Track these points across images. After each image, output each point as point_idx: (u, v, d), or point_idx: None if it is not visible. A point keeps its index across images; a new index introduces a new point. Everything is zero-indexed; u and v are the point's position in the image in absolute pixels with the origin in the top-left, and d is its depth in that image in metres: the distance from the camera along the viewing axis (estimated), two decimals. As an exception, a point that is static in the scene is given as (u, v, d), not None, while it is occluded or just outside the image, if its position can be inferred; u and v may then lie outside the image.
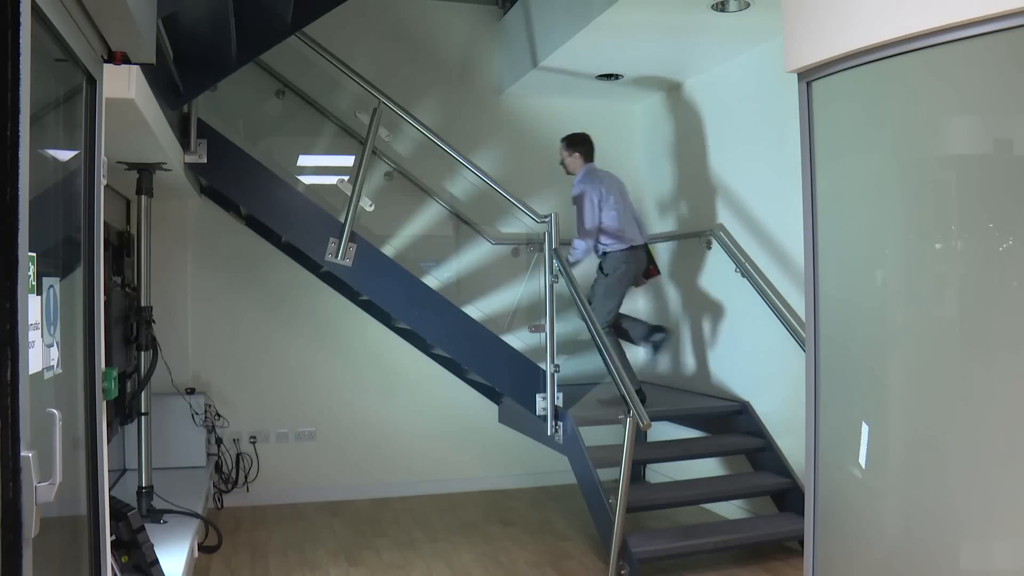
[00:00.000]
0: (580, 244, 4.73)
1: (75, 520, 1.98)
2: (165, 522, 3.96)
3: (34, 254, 1.46)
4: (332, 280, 5.09)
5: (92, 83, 2.05)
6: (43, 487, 1.40)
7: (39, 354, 1.57)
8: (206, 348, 5.32)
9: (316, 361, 5.48)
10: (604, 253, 4.79)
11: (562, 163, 5.00)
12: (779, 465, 4.47)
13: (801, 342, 3.98)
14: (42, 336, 1.61)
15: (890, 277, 2.32)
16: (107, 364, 2.18)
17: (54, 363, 1.70)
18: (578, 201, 4.77)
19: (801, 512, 2.68)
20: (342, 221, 4.29)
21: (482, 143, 5.71)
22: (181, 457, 5.05)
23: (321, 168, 5.53)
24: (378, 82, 4.51)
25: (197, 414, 5.08)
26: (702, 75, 5.35)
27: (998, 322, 1.98)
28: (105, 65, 2.13)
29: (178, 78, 3.55)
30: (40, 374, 1.60)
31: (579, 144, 4.92)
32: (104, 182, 2.17)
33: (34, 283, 1.49)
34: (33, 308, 1.49)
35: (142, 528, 2.99)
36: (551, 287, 4.40)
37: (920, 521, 2.17)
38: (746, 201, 4.95)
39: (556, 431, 4.36)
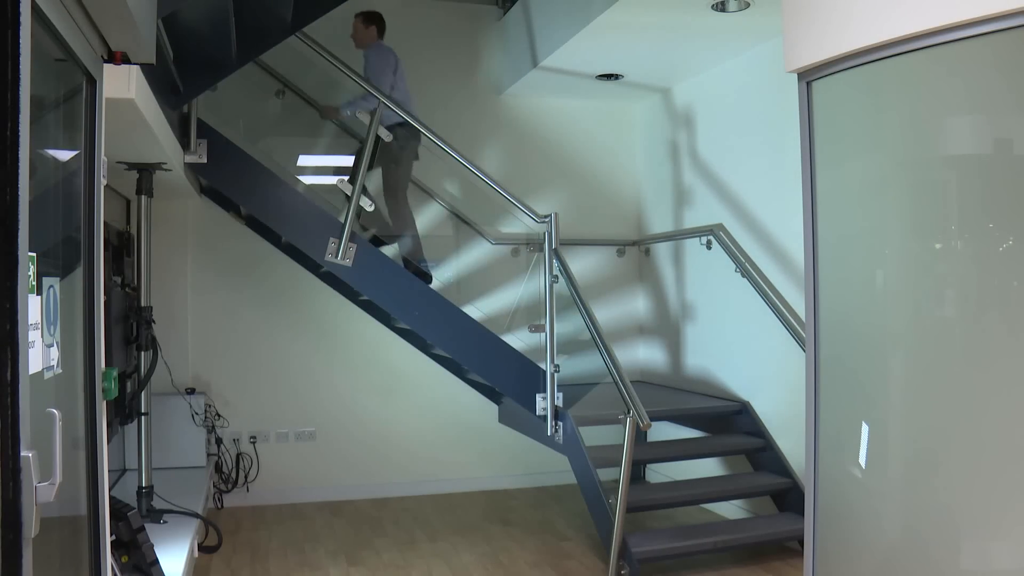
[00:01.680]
0: (369, 101, 4.63)
1: (75, 520, 1.98)
2: (165, 522, 3.96)
3: (34, 254, 1.46)
4: (332, 280, 5.09)
5: (92, 83, 2.05)
6: (43, 487, 1.40)
7: (39, 354, 1.57)
8: (206, 348, 5.32)
9: (316, 361, 5.48)
10: (400, 124, 4.72)
11: (353, 36, 5.04)
12: (779, 465, 4.47)
13: (801, 342, 3.98)
14: (42, 336, 1.61)
15: (890, 277, 2.32)
16: (107, 364, 2.18)
17: (54, 363, 1.70)
18: (375, 71, 4.78)
19: (801, 512, 2.68)
20: (342, 221, 4.29)
21: (482, 143, 5.72)
22: (181, 457, 5.04)
23: (321, 168, 5.53)
24: (378, 82, 4.51)
25: (197, 414, 5.08)
26: (702, 75, 5.35)
27: (998, 322, 1.98)
28: (105, 65, 2.14)
29: (178, 78, 3.55)
30: (40, 374, 1.59)
31: (377, 20, 5.02)
32: (104, 182, 2.17)
33: (34, 283, 1.49)
34: (33, 308, 1.49)
35: (142, 528, 2.99)
36: (551, 287, 4.40)
37: (920, 521, 2.18)
38: (746, 201, 4.95)
39: (556, 431, 4.36)
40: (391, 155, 4.85)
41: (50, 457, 1.45)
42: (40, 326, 1.58)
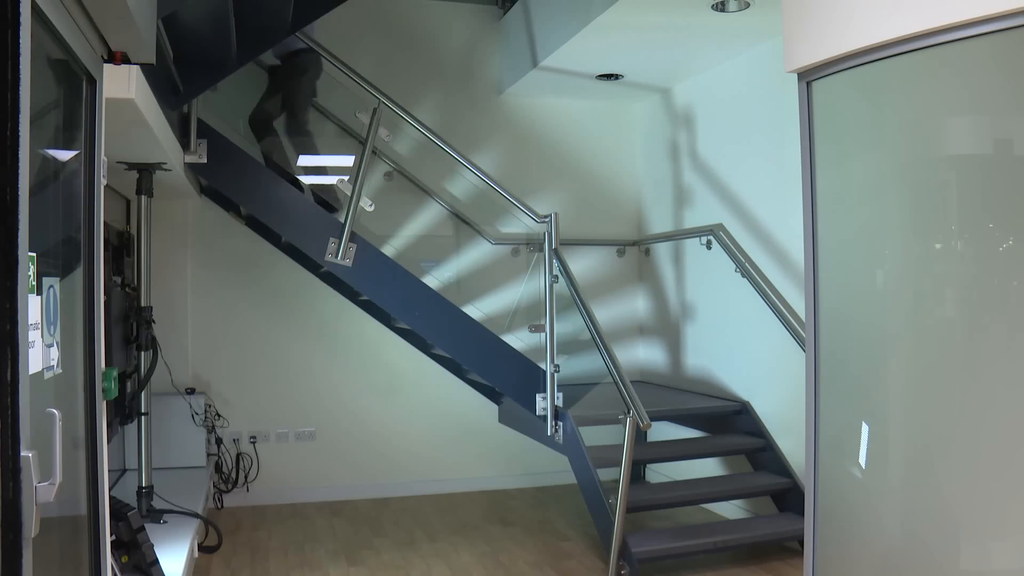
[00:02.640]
0: None
1: (75, 520, 1.98)
2: (165, 522, 3.96)
3: (34, 254, 1.46)
4: (332, 280, 5.09)
5: (92, 83, 2.05)
6: (43, 487, 1.40)
7: (39, 354, 1.57)
8: (206, 348, 5.32)
9: (316, 361, 5.48)
10: (303, 50, 4.68)
11: None
12: (779, 465, 4.47)
13: (801, 342, 3.98)
14: (42, 336, 1.61)
15: (890, 277, 2.32)
16: (107, 364, 2.18)
17: (54, 363, 1.70)
18: None
19: (801, 512, 2.68)
20: (342, 221, 4.29)
21: (482, 143, 5.71)
22: (181, 457, 5.04)
23: (321, 168, 5.53)
24: (378, 82, 4.51)
25: (197, 414, 5.08)
26: (702, 75, 5.35)
27: (998, 322, 1.98)
28: (105, 65, 2.13)
29: (178, 78, 3.55)
30: (40, 374, 1.59)
31: None
32: (104, 182, 2.17)
33: (34, 283, 1.49)
34: (33, 308, 1.49)
35: (142, 528, 2.99)
36: (551, 287, 4.40)
37: (920, 521, 2.18)
38: (746, 201, 4.95)
39: (556, 431, 4.36)
40: (294, 80, 4.78)
41: (50, 457, 1.45)
42: (40, 326, 1.58)
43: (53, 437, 1.48)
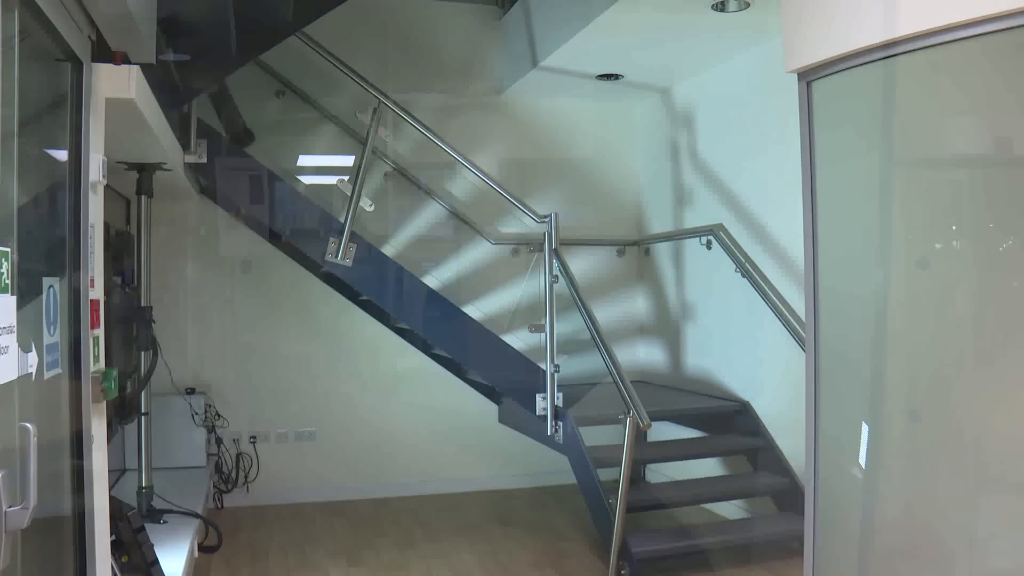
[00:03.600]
0: None
1: (73, 520, 1.98)
2: (165, 522, 3.96)
3: (7, 249, 1.31)
4: (332, 280, 5.09)
5: (79, 67, 2.00)
6: (14, 512, 1.21)
7: (14, 360, 1.37)
8: (206, 348, 5.31)
9: (316, 361, 5.48)
10: None
11: None
12: (779, 465, 4.47)
13: (801, 342, 3.98)
14: (35, 340, 1.52)
15: (890, 277, 2.31)
16: (107, 364, 2.17)
17: (32, 369, 1.53)
18: None
19: (801, 512, 2.67)
20: (342, 221, 4.29)
21: (482, 143, 5.71)
22: (181, 457, 5.04)
23: (321, 168, 5.53)
24: (378, 82, 4.51)
25: (197, 414, 5.08)
26: (702, 75, 5.35)
27: (998, 322, 1.98)
28: (105, 65, 2.13)
29: (178, 78, 3.54)
30: (28, 376, 1.46)
31: None
32: (104, 181, 2.17)
33: (8, 281, 1.31)
34: (6, 310, 1.30)
35: (142, 528, 2.99)
36: (551, 287, 4.40)
37: (920, 521, 2.17)
38: (746, 201, 4.95)
39: (556, 431, 4.35)
40: None
41: (24, 476, 1.26)
42: (15, 329, 1.37)
43: (27, 455, 1.27)
